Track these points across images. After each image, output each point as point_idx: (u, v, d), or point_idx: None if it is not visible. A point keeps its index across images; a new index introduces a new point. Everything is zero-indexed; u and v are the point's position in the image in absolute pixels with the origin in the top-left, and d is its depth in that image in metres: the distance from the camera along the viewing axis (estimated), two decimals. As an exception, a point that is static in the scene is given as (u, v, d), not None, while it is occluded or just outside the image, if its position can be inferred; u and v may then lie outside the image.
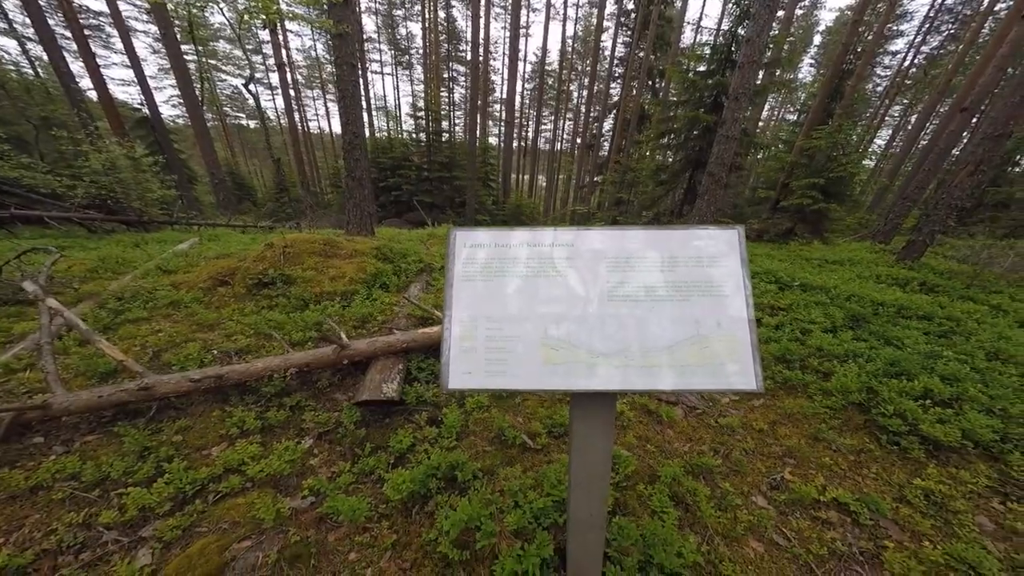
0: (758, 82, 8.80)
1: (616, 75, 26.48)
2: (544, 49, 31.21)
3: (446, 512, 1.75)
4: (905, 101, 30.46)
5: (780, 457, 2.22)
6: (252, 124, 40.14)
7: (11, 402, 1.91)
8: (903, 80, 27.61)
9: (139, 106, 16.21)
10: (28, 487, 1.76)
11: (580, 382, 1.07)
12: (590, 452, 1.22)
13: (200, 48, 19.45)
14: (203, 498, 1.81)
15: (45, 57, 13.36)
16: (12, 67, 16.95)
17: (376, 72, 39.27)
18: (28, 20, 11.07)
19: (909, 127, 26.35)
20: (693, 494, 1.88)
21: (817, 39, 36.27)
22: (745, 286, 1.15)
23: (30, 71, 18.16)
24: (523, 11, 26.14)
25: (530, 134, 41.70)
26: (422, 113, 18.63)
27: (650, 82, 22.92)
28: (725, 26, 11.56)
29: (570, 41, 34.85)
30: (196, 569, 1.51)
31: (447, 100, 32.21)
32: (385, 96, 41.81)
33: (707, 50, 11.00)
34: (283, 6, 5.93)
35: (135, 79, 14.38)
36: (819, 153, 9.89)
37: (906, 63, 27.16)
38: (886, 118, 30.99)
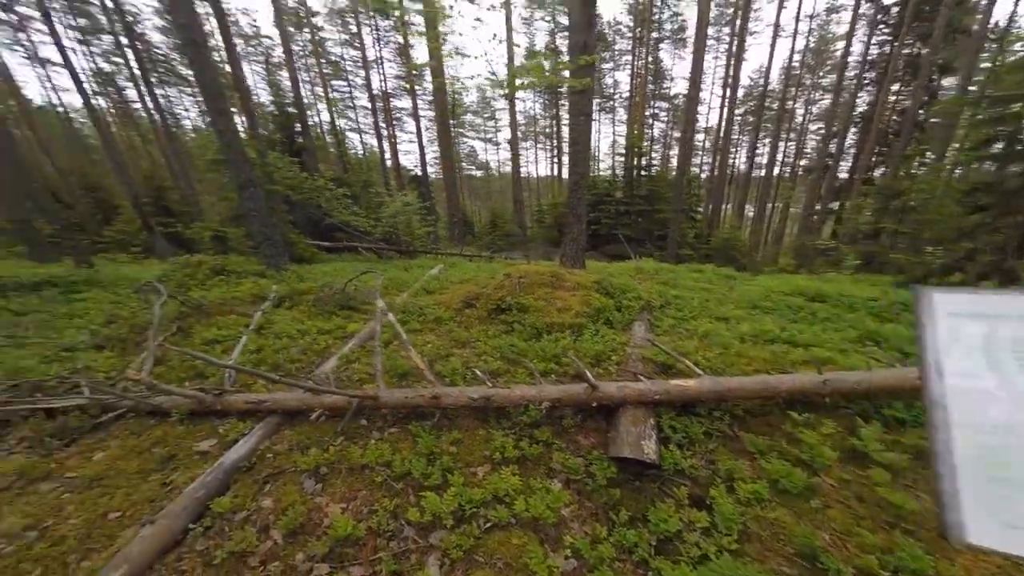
0: None
1: (866, 81, 21.04)
2: (768, 69, 27.53)
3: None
4: None
5: None
6: (478, 174, 49.15)
7: (356, 391, 2.46)
8: None
9: (413, 167, 22.07)
10: (360, 464, 2.17)
11: None
12: None
13: (454, 121, 25.29)
14: (477, 522, 1.85)
15: (371, 142, 19.65)
16: (352, 150, 25.75)
17: (581, 119, 42.60)
18: (369, 121, 16.54)
19: None
20: None
21: None
22: None
23: (360, 151, 27.20)
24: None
25: (738, 161, 37.26)
26: (623, 151, 19.08)
27: (932, 80, 16.98)
28: None
29: (797, 56, 29.86)
30: (479, 605, 1.47)
31: (648, 135, 31.97)
32: (587, 139, 44.80)
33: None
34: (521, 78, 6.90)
35: (417, 149, 19.80)
36: None
37: None
38: None
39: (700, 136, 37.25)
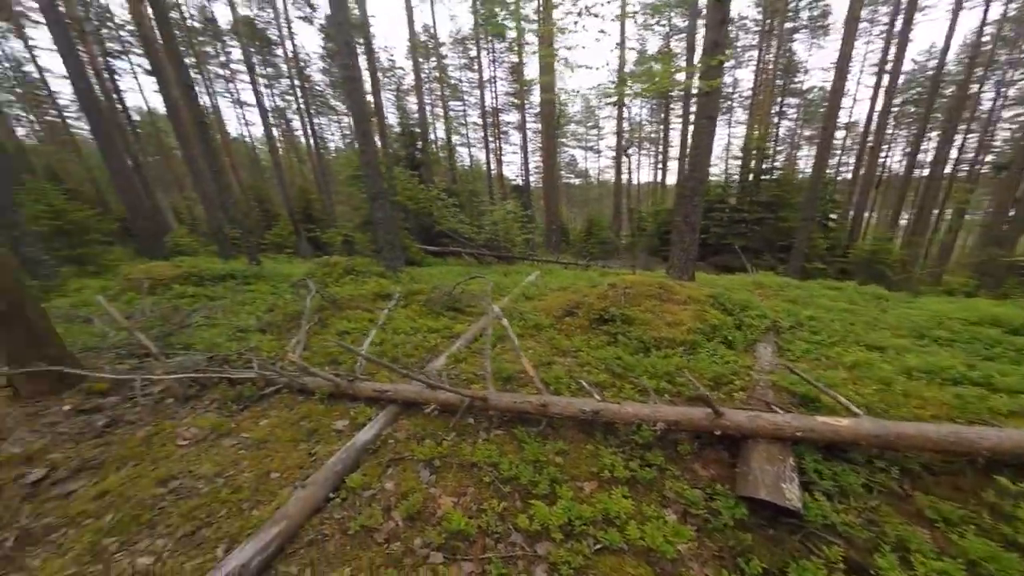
0: None
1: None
2: (945, 48, 22.28)
3: None
4: None
5: None
6: (576, 182, 48.88)
7: (467, 390, 2.57)
8: None
9: (515, 177, 22.94)
10: (470, 462, 2.25)
11: None
12: None
13: (558, 131, 25.80)
14: (587, 541, 1.77)
15: (477, 154, 21.02)
16: (460, 163, 27.79)
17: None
18: (478, 135, 17.71)
19: None
20: None
21: None
22: None
23: (467, 163, 29.25)
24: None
25: (890, 160, 31.02)
26: (738, 154, 17.30)
27: None
28: None
29: (989, 28, 23.54)
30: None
31: (772, 135, 28.54)
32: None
33: None
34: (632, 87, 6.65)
35: (520, 159, 20.61)
36: None
37: None
38: None
39: (839, 134, 31.97)
